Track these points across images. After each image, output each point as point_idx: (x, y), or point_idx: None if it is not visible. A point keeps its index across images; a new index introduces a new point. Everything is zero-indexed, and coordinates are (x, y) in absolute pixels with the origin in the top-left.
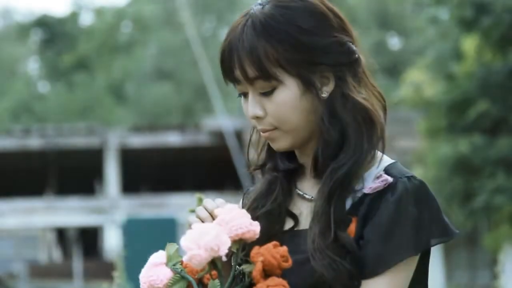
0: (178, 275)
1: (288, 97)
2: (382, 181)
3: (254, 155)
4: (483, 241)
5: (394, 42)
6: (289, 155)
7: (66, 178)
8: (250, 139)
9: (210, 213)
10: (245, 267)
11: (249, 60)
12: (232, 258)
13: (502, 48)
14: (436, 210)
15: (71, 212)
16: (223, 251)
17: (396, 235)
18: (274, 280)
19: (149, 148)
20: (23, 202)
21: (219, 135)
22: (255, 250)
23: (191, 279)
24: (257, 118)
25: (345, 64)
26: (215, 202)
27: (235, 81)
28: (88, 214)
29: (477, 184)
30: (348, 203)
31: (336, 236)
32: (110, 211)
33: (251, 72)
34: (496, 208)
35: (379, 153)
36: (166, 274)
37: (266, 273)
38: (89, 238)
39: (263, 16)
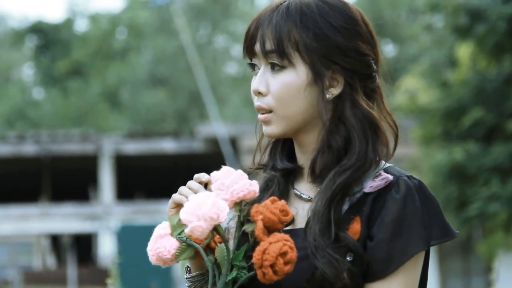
0: (184, 244)
1: (294, 81)
2: (382, 179)
3: (251, 158)
4: (477, 249)
5: (389, 49)
6: (290, 156)
7: (60, 185)
8: (258, 143)
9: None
10: (247, 227)
11: (271, 34)
12: (235, 220)
13: (496, 55)
14: (438, 209)
15: (65, 219)
16: (223, 218)
17: (406, 231)
18: (276, 236)
19: (143, 154)
20: (17, 208)
21: (213, 142)
22: (254, 208)
23: (198, 246)
24: (259, 94)
25: (358, 73)
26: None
27: (252, 53)
28: (82, 221)
29: (471, 192)
30: (346, 204)
31: (337, 236)
32: (105, 218)
33: (269, 44)
34: (490, 215)
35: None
36: (172, 244)
37: (269, 230)
38: (83, 245)
39: (300, 3)
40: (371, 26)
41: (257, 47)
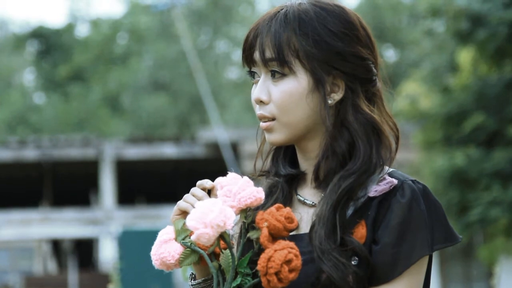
0: (188, 249)
1: (295, 89)
2: (387, 183)
3: (252, 164)
4: (478, 254)
5: (390, 54)
6: (292, 162)
7: (61, 190)
8: (259, 150)
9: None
10: (252, 234)
11: (270, 42)
12: (238, 226)
13: (497, 60)
14: (442, 214)
15: (66, 224)
16: (229, 225)
17: (412, 235)
18: (281, 244)
19: (144, 159)
20: (18, 213)
21: (214, 147)
22: (259, 215)
23: (202, 252)
24: (261, 102)
25: (359, 77)
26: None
27: (252, 62)
28: (83, 226)
29: (472, 197)
30: (351, 208)
31: (342, 240)
32: (106, 223)
33: (269, 53)
34: (491, 220)
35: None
36: (176, 249)
37: (274, 237)
38: (84, 250)
39: (298, 10)
40: (369, 30)
41: (257, 55)
